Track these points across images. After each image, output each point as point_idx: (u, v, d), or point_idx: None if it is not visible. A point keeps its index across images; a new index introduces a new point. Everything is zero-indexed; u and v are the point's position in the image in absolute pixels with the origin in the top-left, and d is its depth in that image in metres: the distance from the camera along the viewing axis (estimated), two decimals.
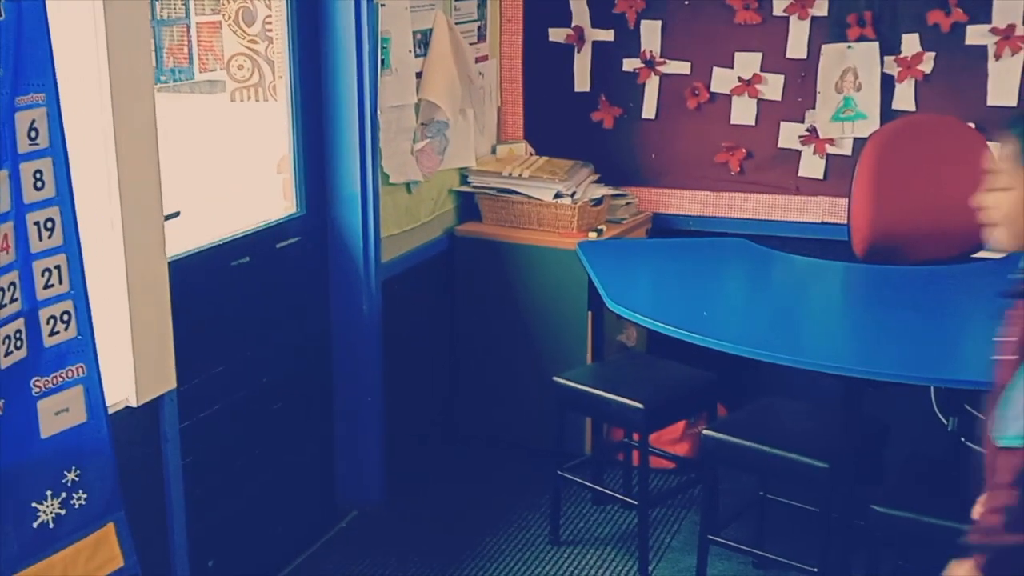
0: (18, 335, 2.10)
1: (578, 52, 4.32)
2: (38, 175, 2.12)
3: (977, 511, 1.90)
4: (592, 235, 3.95)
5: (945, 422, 3.70)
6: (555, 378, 3.44)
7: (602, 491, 3.61)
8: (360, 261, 3.53)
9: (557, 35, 4.34)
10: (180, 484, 2.75)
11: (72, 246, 2.20)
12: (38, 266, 2.14)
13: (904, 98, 3.95)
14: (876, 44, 3.93)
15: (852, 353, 3.02)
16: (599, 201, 4.08)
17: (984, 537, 1.88)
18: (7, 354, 2.07)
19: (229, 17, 3.88)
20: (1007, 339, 1.89)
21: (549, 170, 4.08)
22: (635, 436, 3.63)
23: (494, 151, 4.34)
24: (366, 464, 3.68)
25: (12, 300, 2.08)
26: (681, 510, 3.69)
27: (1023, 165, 1.86)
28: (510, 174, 4.06)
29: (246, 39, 3.83)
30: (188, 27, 4.27)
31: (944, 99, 3.90)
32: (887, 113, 3.97)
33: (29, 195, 2.10)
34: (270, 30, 3.74)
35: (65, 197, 2.18)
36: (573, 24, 4.30)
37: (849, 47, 3.96)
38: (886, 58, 3.94)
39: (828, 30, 3.98)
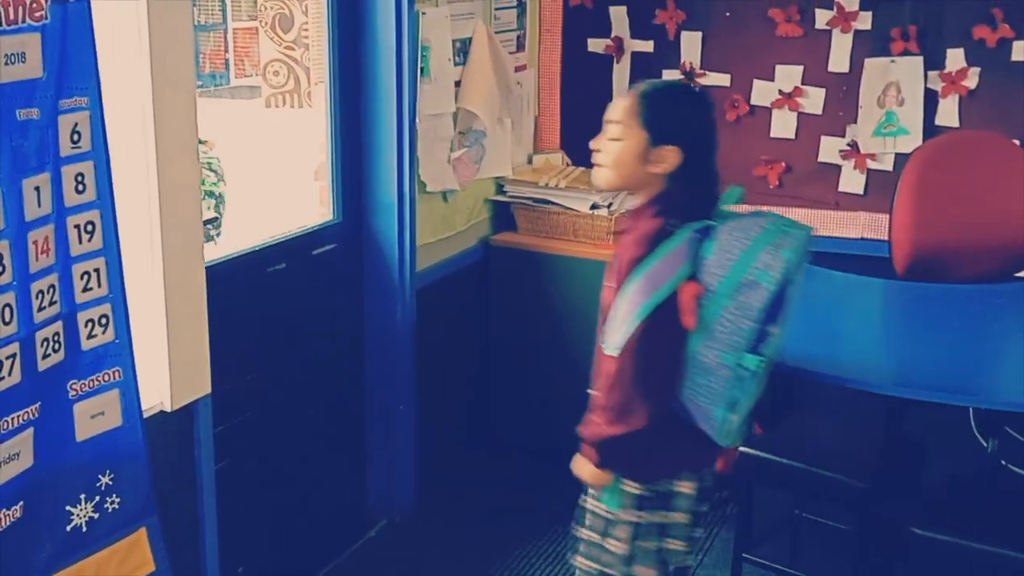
0: (56, 338, 2.11)
1: (617, 63, 4.30)
2: (79, 178, 2.12)
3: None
4: None
5: (985, 444, 3.63)
6: (590, 390, 3.41)
7: None
8: (395, 269, 3.53)
9: (596, 45, 4.32)
10: (213, 489, 2.74)
11: (112, 249, 2.21)
12: (77, 269, 2.15)
13: (948, 114, 3.90)
14: (920, 59, 3.88)
15: (890, 371, 2.98)
16: None
17: (593, 433, 2.29)
18: (45, 357, 2.08)
19: (266, 23, 3.90)
20: (611, 269, 2.28)
21: (586, 181, 4.05)
22: None
23: (530, 161, 4.32)
24: (397, 473, 3.67)
25: (51, 303, 2.08)
26: (713, 527, 3.65)
27: (637, 123, 2.24)
28: (546, 184, 4.04)
29: (282, 45, 3.84)
30: (225, 32, 4.28)
31: (989, 115, 3.84)
32: (930, 129, 3.91)
33: (70, 198, 2.11)
34: (306, 36, 3.75)
35: (106, 200, 2.18)
36: (613, 35, 4.28)
37: (892, 61, 3.92)
38: (930, 73, 3.89)
39: (871, 44, 3.94)
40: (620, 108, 2.28)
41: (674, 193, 2.27)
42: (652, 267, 2.18)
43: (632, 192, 2.35)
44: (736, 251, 2.19)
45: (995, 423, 3.50)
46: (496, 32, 3.92)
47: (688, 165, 2.26)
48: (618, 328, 2.19)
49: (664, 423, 2.24)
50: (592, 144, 2.34)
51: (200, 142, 3.06)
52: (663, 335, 2.19)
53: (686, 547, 2.43)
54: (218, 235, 3.46)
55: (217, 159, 3.03)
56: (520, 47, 4.18)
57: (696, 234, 2.21)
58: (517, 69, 4.12)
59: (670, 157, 2.24)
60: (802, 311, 3.43)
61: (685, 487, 2.37)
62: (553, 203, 4.03)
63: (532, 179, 4.10)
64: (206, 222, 3.11)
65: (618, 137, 2.27)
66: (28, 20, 1.94)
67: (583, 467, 2.37)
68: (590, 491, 2.43)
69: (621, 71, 4.30)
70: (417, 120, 3.48)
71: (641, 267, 2.19)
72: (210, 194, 3.06)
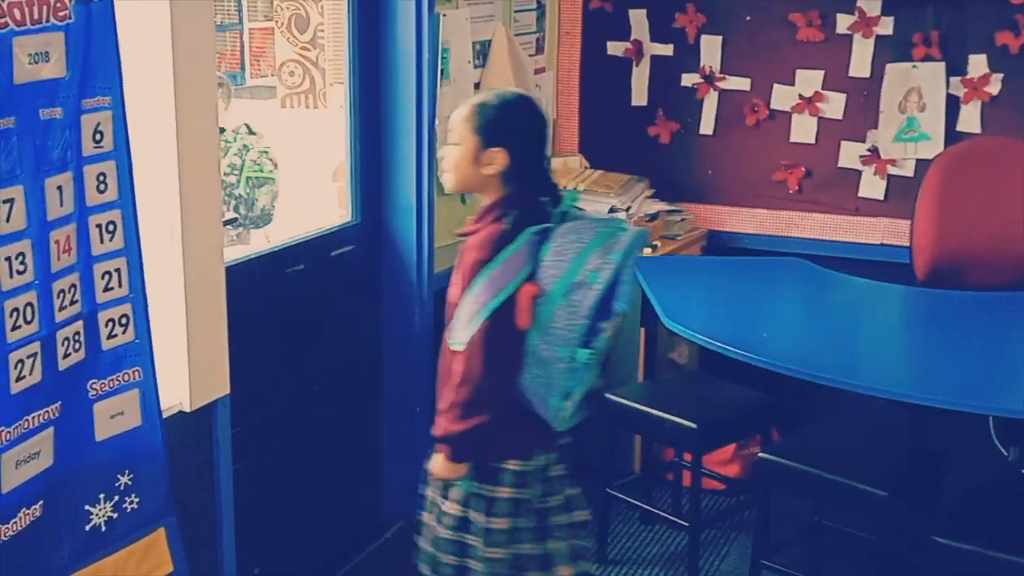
0: (77, 337, 2.10)
1: (636, 66, 4.29)
2: (101, 178, 2.12)
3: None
4: (647, 251, 3.91)
5: (1005, 452, 3.61)
6: (607, 395, 3.40)
7: (651, 511, 3.56)
8: (413, 271, 3.52)
9: (616, 48, 4.31)
10: (231, 490, 2.74)
11: (133, 249, 2.20)
12: (99, 269, 2.14)
13: (969, 120, 3.88)
14: (942, 64, 3.86)
15: (910, 379, 2.96)
16: (654, 216, 4.04)
17: (446, 430, 2.45)
18: (66, 356, 2.07)
19: (282, 24, 3.89)
20: (457, 268, 2.49)
21: (604, 184, 4.04)
22: (686, 456, 3.58)
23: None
24: (414, 475, 3.65)
25: (72, 302, 2.08)
26: (731, 532, 3.63)
27: (470, 129, 2.45)
28: (565, 187, 4.03)
29: (298, 46, 3.84)
30: (241, 33, 4.27)
31: (1011, 122, 3.82)
32: (951, 135, 3.89)
33: (92, 198, 2.10)
34: (322, 37, 3.74)
35: (127, 200, 2.18)
36: (632, 38, 4.27)
37: (914, 67, 3.90)
38: (952, 79, 3.87)
39: (893, 49, 3.92)
40: (456, 118, 2.50)
41: (514, 197, 2.47)
42: (496, 270, 2.40)
43: (477, 193, 2.55)
44: (569, 254, 2.40)
45: (1015, 431, 3.48)
46: (515, 34, 3.91)
47: (517, 166, 2.46)
48: (464, 326, 2.40)
49: (506, 411, 2.45)
50: (439, 152, 2.59)
51: (250, 132, 3.08)
52: (505, 332, 2.39)
53: (510, 525, 2.53)
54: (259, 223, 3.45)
55: (270, 148, 3.06)
56: (539, 49, 4.17)
57: (535, 236, 2.42)
58: (536, 72, 4.11)
59: (498, 158, 2.45)
60: (820, 317, 3.44)
61: (513, 465, 2.53)
62: None
63: None
64: (261, 209, 3.14)
65: (456, 143, 2.48)
66: (52, 19, 1.94)
67: (439, 464, 2.52)
68: (433, 483, 2.59)
69: (640, 74, 4.29)
70: (436, 122, 3.48)
71: (486, 269, 2.40)
72: (269, 180, 3.10)
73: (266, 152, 3.10)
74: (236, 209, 3.08)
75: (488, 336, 2.37)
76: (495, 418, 2.43)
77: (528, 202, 2.47)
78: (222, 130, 3.02)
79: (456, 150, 2.49)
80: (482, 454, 2.49)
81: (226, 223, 2.64)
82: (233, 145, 3.07)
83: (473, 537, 2.53)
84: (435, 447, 2.52)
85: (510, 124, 2.49)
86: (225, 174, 3.03)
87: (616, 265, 2.37)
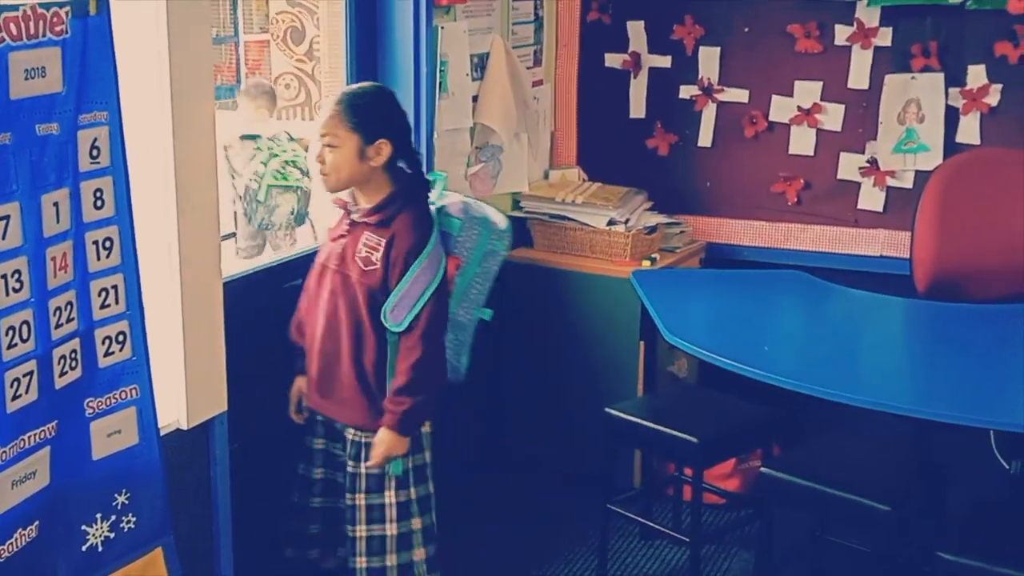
0: (73, 355, 2.08)
1: (634, 78, 4.28)
2: (98, 194, 2.10)
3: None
4: (646, 263, 3.90)
5: (1007, 466, 3.59)
6: (607, 409, 3.38)
7: (652, 526, 3.53)
8: None
9: (613, 60, 4.29)
10: (228, 508, 2.71)
11: (130, 266, 2.18)
12: (95, 286, 2.12)
13: (968, 131, 3.87)
14: (941, 75, 3.85)
15: (911, 392, 2.94)
16: (653, 229, 4.02)
17: (402, 411, 2.66)
18: (62, 374, 2.05)
19: (278, 36, 3.87)
20: (356, 258, 2.70)
21: (602, 196, 4.03)
22: (687, 471, 3.56)
23: (546, 176, 4.30)
24: None
25: (69, 320, 2.05)
26: (732, 547, 3.61)
27: (346, 129, 2.62)
28: (563, 200, 4.02)
29: (294, 58, 3.82)
30: (236, 45, 4.26)
31: (1010, 133, 3.81)
32: (950, 146, 3.88)
33: (89, 214, 2.08)
34: (318, 49, 3.73)
35: (124, 216, 2.16)
36: (630, 50, 4.26)
37: (913, 78, 3.89)
38: (951, 90, 3.86)
39: (891, 60, 3.91)
40: (325, 123, 2.65)
41: (408, 181, 2.72)
42: (430, 253, 2.66)
43: (359, 187, 2.72)
44: (477, 227, 2.78)
45: (1017, 445, 3.46)
46: (513, 47, 3.90)
47: (399, 152, 2.69)
48: (406, 308, 2.63)
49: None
50: (314, 160, 2.70)
51: (291, 138, 3.14)
52: (442, 308, 2.70)
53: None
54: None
55: (304, 155, 3.11)
56: (537, 62, 4.16)
57: (441, 215, 2.74)
58: (534, 84, 4.10)
59: (384, 149, 2.65)
60: (820, 330, 3.43)
61: (427, 427, 2.82)
62: (570, 219, 4.00)
63: (548, 195, 4.07)
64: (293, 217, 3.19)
65: (335, 145, 2.64)
66: (48, 35, 1.92)
67: (390, 444, 2.69)
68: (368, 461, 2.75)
69: (638, 86, 4.27)
70: (435, 136, 3.46)
71: (423, 254, 2.64)
72: (294, 188, 3.16)
73: (294, 161, 3.13)
74: (254, 213, 3.11)
75: (435, 314, 2.66)
76: (442, 385, 2.76)
77: (422, 185, 2.74)
78: (256, 136, 3.07)
79: (336, 152, 2.64)
80: (420, 423, 2.76)
81: (224, 237, 2.63)
82: (260, 153, 3.10)
83: (416, 518, 2.79)
84: (378, 431, 2.69)
85: (385, 114, 2.69)
86: (251, 179, 3.07)
87: (509, 233, 2.83)
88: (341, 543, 2.85)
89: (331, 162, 2.64)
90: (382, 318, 2.66)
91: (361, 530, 2.76)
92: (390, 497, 2.75)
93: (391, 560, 2.77)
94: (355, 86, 2.80)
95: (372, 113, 2.66)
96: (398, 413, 2.67)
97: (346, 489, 2.78)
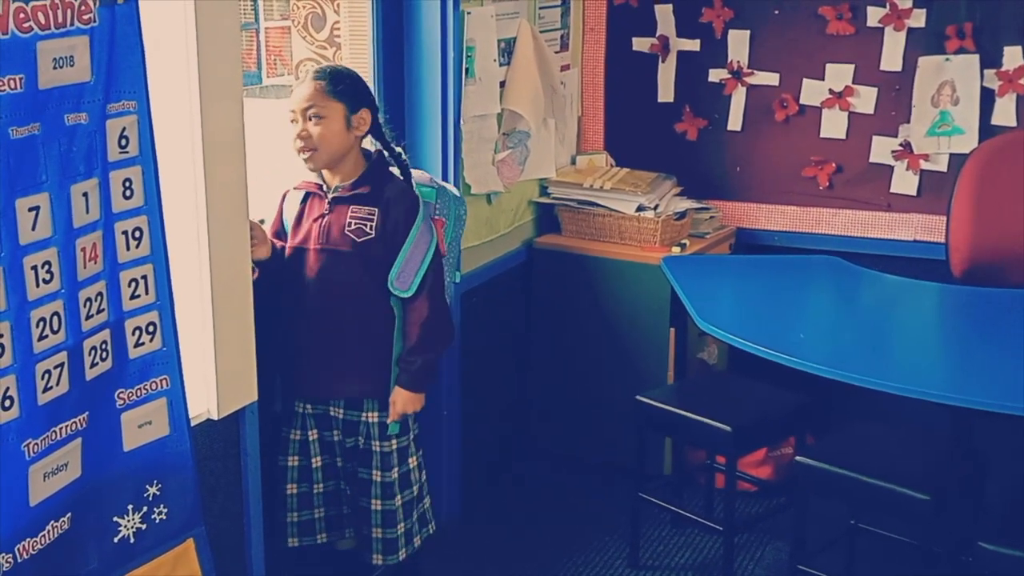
0: (104, 346, 2.07)
1: (662, 62, 4.23)
2: (127, 184, 2.08)
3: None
4: (676, 250, 3.86)
5: None
6: (638, 397, 3.35)
7: (683, 514, 3.50)
8: None
9: (641, 44, 4.25)
10: (260, 499, 2.70)
11: (159, 256, 2.16)
12: (125, 276, 2.10)
13: (1004, 113, 3.80)
14: (976, 56, 3.79)
15: (948, 379, 2.89)
16: (682, 215, 3.98)
17: (420, 368, 2.77)
18: (93, 365, 2.04)
19: (298, 23, 3.86)
20: (351, 227, 2.74)
21: (631, 182, 3.99)
22: (719, 459, 3.52)
23: (573, 161, 4.25)
24: (443, 479, 3.61)
25: (99, 311, 2.04)
26: (765, 536, 3.57)
27: (331, 99, 2.66)
28: (591, 186, 3.98)
29: (315, 45, 3.80)
30: (257, 32, 4.26)
31: None
32: (985, 128, 3.81)
33: (118, 204, 2.06)
34: (338, 36, 3.71)
35: (153, 206, 2.14)
36: (658, 33, 4.21)
37: (947, 59, 3.82)
38: (986, 71, 3.79)
39: (925, 42, 3.85)
40: (309, 96, 2.66)
41: (379, 155, 2.80)
42: (425, 218, 2.77)
43: (338, 163, 2.74)
44: (451, 192, 2.99)
45: None
46: (540, 31, 3.86)
47: (376, 123, 2.77)
48: (412, 272, 2.72)
49: None
50: (298, 137, 2.69)
51: None
52: (440, 269, 2.82)
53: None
54: None
55: None
56: (564, 46, 4.11)
57: (417, 188, 2.81)
58: (561, 69, 4.06)
59: (367, 117, 2.72)
60: (854, 316, 3.38)
61: None
62: (598, 205, 3.96)
63: (576, 180, 4.04)
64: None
65: (321, 116, 2.65)
66: (76, 23, 1.90)
67: (408, 401, 2.79)
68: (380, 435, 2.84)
69: (667, 70, 4.22)
70: (462, 122, 3.43)
71: (419, 216, 2.73)
72: None
73: None
74: None
75: (438, 276, 2.79)
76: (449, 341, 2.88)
77: (395, 156, 2.82)
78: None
79: (323, 124, 2.66)
80: (433, 378, 2.88)
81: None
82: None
83: (422, 473, 2.98)
84: (395, 391, 2.78)
85: (362, 86, 2.76)
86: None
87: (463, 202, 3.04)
88: (348, 524, 2.93)
89: (319, 135, 2.66)
90: (389, 285, 2.72)
91: (377, 503, 2.85)
92: (406, 464, 2.89)
93: (404, 527, 2.92)
94: (324, 64, 2.88)
95: (352, 82, 2.72)
96: (412, 371, 2.76)
97: (360, 466, 2.85)
